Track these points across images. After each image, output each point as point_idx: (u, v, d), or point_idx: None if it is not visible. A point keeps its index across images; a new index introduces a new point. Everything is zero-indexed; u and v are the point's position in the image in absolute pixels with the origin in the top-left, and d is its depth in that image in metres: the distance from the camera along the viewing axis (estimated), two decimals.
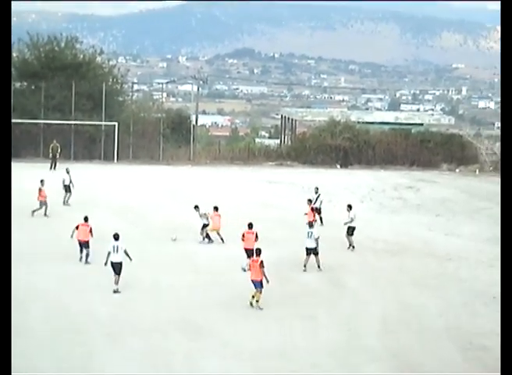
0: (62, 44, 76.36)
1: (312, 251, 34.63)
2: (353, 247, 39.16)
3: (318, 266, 34.69)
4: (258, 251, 30.14)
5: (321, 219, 43.04)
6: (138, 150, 69.80)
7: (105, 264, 31.53)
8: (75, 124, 69.13)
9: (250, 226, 31.64)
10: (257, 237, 32.38)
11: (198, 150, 74.69)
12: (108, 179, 53.53)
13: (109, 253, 31.56)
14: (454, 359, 24.88)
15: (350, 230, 39.17)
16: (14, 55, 75.08)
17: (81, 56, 76.91)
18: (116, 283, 31.45)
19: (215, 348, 25.63)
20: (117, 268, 31.54)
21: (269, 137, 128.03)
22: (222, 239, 39.61)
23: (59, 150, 64.18)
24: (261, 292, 29.52)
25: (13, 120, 67.73)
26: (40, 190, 44.99)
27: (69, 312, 29.20)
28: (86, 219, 35.75)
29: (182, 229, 40.75)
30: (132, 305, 30.10)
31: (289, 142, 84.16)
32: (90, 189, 49.12)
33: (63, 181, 48.33)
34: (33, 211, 44.35)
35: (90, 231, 35.37)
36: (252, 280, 29.73)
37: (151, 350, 25.39)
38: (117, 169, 63.19)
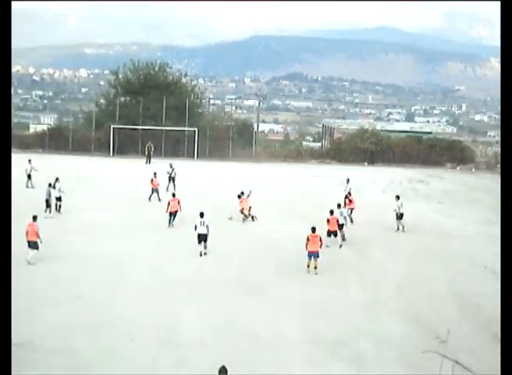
0: (156, 68, 77.25)
1: (342, 226, 34.93)
2: (404, 228, 38.82)
3: (343, 237, 34.85)
4: (314, 229, 30.29)
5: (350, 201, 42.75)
6: (213, 150, 70.00)
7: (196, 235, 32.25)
8: (165, 130, 69.53)
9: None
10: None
11: (258, 150, 74.71)
12: (190, 171, 53.66)
13: (196, 226, 32.21)
14: (453, 313, 24.84)
15: (399, 215, 38.77)
16: (120, 76, 76.07)
17: (170, 78, 77.61)
18: (205, 248, 32.21)
19: (269, 301, 25.74)
20: (202, 238, 32.16)
21: (313, 141, 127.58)
22: (252, 217, 39.95)
23: (153, 149, 65.21)
24: (316, 261, 29.73)
25: (118, 126, 68.35)
26: (152, 180, 44.99)
27: (161, 270, 29.44)
28: (174, 195, 38.63)
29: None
30: (209, 266, 30.31)
31: (328, 145, 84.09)
32: (178, 179, 49.23)
33: (168, 173, 48.85)
34: (149, 197, 44.45)
35: (179, 203, 37.50)
36: (310, 252, 29.78)
37: (222, 301, 25.53)
38: (197, 165, 63.48)
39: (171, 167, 49.19)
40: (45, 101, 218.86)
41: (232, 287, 27.55)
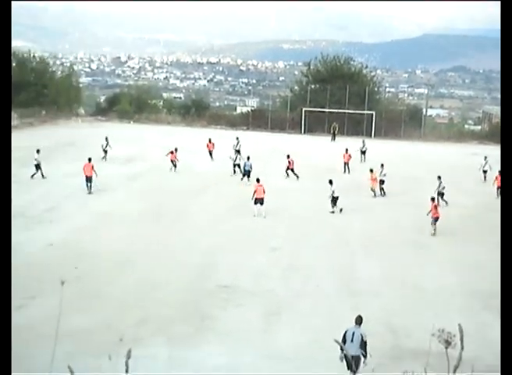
0: (342, 61, 77.16)
1: None
2: None
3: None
4: (433, 199, 30.08)
5: None
6: (387, 130, 69.17)
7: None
8: (348, 112, 69.40)
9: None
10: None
11: (426, 132, 73.19)
12: (369, 148, 53.06)
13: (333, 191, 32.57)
14: None
15: None
16: (311, 67, 76.78)
17: (353, 69, 77.24)
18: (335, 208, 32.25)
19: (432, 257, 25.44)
20: (334, 201, 32.47)
21: (474, 125, 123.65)
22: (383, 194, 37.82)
23: (337, 128, 65.47)
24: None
25: (309, 109, 68.83)
26: (344, 155, 45.52)
27: (339, 227, 29.56)
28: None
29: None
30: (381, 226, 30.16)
31: (487, 128, 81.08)
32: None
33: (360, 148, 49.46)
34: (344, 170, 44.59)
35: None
36: (435, 217, 29.13)
37: (393, 256, 25.43)
38: (374, 142, 63.01)
39: (363, 143, 51.23)
40: (249, 88, 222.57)
41: (400, 246, 27.41)
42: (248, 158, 40.49)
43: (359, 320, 15.33)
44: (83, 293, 19.02)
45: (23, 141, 54.60)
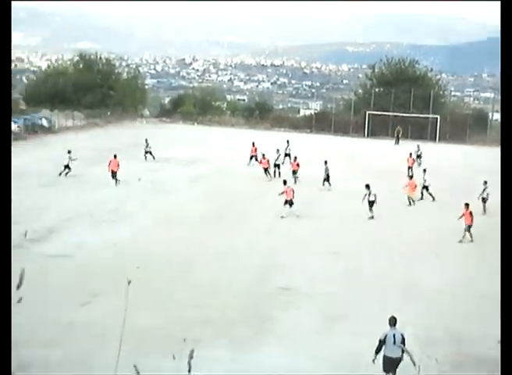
0: (406, 64, 76.59)
1: None
2: None
3: None
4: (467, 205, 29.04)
5: None
6: (452, 134, 68.23)
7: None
8: (412, 116, 68.79)
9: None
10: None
11: (492, 136, 72.01)
12: (432, 152, 52.52)
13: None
14: None
15: None
16: (376, 70, 76.46)
17: (418, 72, 76.58)
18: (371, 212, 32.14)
19: None
20: (370, 205, 32.16)
21: None
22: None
23: (401, 132, 65.02)
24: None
25: (373, 112, 68.44)
26: (408, 159, 45.08)
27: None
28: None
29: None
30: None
31: None
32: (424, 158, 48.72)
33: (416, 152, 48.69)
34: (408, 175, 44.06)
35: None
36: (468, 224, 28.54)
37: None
38: (438, 146, 62.34)
39: (418, 147, 50.21)
40: (313, 90, 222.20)
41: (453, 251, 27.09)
42: (326, 162, 40.09)
43: (394, 321, 15.15)
44: (145, 293, 19.28)
45: (89, 141, 55.64)
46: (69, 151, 40.56)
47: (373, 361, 14.77)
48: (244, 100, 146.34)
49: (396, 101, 70.78)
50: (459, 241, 28.41)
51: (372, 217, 32.15)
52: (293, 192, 32.21)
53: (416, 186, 36.46)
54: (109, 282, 20.89)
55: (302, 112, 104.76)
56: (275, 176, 42.50)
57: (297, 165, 41.47)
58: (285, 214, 31.81)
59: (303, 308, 20.23)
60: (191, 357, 4.31)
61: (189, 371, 4.17)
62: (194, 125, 74.61)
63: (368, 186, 32.68)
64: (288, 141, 48.73)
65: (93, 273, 22.49)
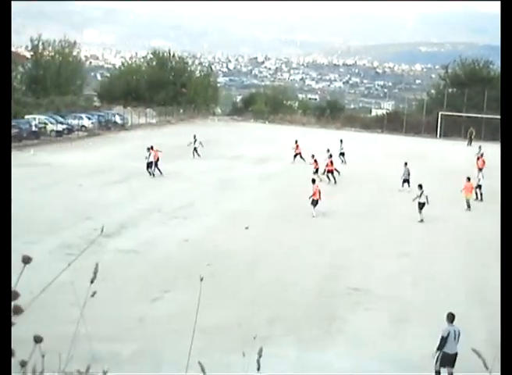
0: (481, 65, 75.68)
1: None
2: None
3: None
4: None
5: None
6: None
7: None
8: (486, 117, 67.68)
9: None
10: None
11: None
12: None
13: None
14: None
15: None
16: (449, 70, 75.55)
17: (492, 73, 75.41)
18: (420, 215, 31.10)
19: None
20: (420, 207, 31.05)
21: None
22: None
23: (474, 133, 64.08)
24: None
25: (445, 113, 67.57)
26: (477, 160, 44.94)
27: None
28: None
29: None
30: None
31: None
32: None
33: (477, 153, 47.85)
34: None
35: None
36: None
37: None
38: None
39: (479, 149, 49.14)
40: (385, 90, 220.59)
41: None
42: (406, 164, 39.64)
43: (452, 317, 15.41)
44: (215, 290, 19.41)
45: (161, 138, 56.31)
46: (149, 149, 40.83)
47: (433, 357, 15.15)
48: (316, 99, 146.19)
49: (469, 101, 69.87)
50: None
51: (422, 220, 31.18)
52: (320, 193, 31.87)
53: (473, 188, 35.78)
54: (180, 278, 21.14)
55: (374, 112, 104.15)
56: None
57: (331, 163, 41.29)
58: (315, 213, 31.55)
59: (373, 309, 20.06)
60: (260, 355, 4.30)
61: (258, 369, 4.17)
62: (265, 123, 74.83)
63: (420, 186, 31.87)
64: (341, 140, 48.52)
65: (164, 269, 22.76)
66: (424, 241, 28.18)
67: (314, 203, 31.85)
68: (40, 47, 75.82)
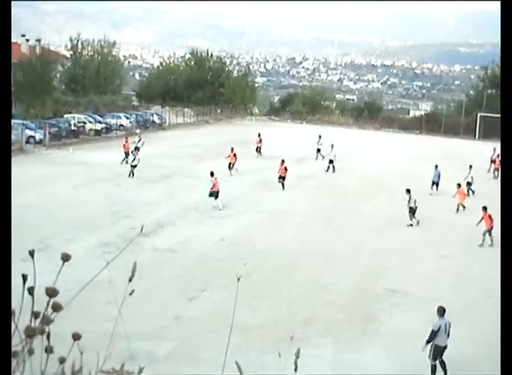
0: None
1: None
2: None
3: None
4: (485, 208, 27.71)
5: None
6: None
7: None
8: None
9: None
10: None
11: None
12: None
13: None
14: None
15: None
16: (489, 71, 74.61)
17: None
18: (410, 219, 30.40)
19: None
20: (411, 212, 30.47)
21: None
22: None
23: None
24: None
25: (484, 114, 66.81)
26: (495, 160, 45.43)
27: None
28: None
29: None
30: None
31: None
32: None
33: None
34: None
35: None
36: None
37: None
38: None
39: (494, 151, 48.09)
40: (423, 91, 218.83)
41: None
42: (436, 166, 39.30)
43: (442, 311, 15.84)
44: (252, 290, 19.42)
45: (199, 137, 56.50)
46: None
47: (423, 350, 15.48)
48: (354, 100, 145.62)
49: None
50: (479, 245, 27.21)
51: (411, 225, 30.34)
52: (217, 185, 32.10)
53: (465, 194, 34.95)
54: (217, 277, 21.18)
55: (412, 113, 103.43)
56: (327, 170, 43.25)
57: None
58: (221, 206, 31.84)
59: (410, 311, 19.90)
60: (297, 356, 4.28)
61: (295, 370, 4.15)
62: (303, 124, 74.69)
63: (408, 191, 30.91)
64: (320, 136, 49.33)
65: (201, 267, 22.82)
66: (463, 244, 27.90)
67: (215, 195, 31.96)
68: (80, 46, 76.45)
